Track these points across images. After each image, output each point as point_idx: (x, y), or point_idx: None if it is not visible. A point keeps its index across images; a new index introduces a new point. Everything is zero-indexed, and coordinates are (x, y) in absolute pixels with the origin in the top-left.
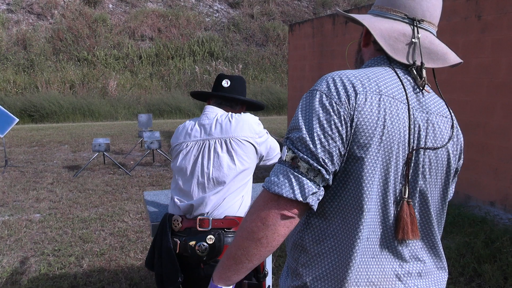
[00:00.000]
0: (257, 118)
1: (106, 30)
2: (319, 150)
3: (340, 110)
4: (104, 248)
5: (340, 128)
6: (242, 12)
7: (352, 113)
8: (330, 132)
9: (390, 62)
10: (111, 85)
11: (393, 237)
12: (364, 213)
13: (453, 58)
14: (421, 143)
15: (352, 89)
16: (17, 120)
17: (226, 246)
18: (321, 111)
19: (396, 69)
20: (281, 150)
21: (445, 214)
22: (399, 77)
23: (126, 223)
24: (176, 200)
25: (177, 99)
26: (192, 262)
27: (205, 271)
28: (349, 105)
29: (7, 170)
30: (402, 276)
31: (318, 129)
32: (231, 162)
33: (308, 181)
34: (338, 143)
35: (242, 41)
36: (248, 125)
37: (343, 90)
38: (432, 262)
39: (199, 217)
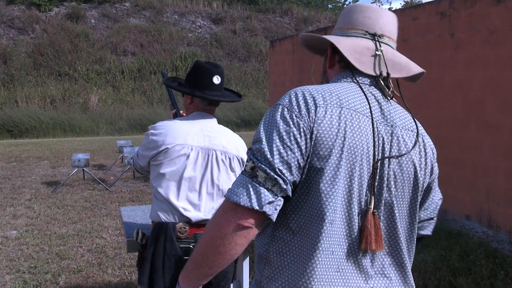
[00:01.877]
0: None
1: (88, 45)
2: (276, 160)
3: (300, 122)
4: (81, 265)
5: (299, 140)
6: (224, 28)
7: (311, 125)
8: (288, 143)
9: (354, 77)
10: (93, 100)
11: (358, 251)
12: (325, 225)
13: (416, 68)
14: (386, 155)
15: (312, 102)
16: None
17: None
18: (281, 124)
19: (360, 84)
20: None
21: (415, 232)
22: (363, 91)
23: (105, 239)
24: (180, 209)
25: (159, 114)
26: None
27: None
28: (309, 117)
29: None
30: None
31: (277, 140)
32: (235, 177)
33: (265, 190)
34: (296, 154)
35: (225, 57)
36: (244, 149)
37: (304, 104)
38: (398, 280)
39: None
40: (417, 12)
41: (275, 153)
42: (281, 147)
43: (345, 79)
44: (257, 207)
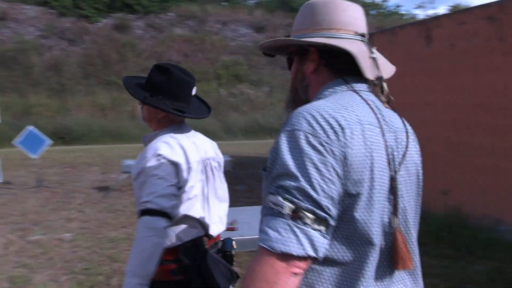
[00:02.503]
0: None
1: (134, 55)
2: (322, 197)
3: (333, 149)
4: None
5: (337, 169)
6: (266, 36)
7: (343, 150)
8: (328, 175)
9: (349, 84)
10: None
11: (392, 270)
12: (367, 251)
13: (392, 66)
14: (396, 165)
15: (336, 123)
16: (50, 142)
17: None
18: (312, 153)
19: (359, 91)
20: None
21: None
22: (364, 99)
23: None
24: (204, 223)
25: (202, 121)
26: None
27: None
28: (339, 141)
29: (40, 190)
30: None
31: (315, 173)
32: (224, 179)
33: (315, 232)
34: (337, 185)
35: (267, 65)
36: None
37: (328, 126)
38: (412, 285)
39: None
40: (464, 16)
41: (318, 189)
42: (322, 181)
43: (339, 88)
44: (313, 254)
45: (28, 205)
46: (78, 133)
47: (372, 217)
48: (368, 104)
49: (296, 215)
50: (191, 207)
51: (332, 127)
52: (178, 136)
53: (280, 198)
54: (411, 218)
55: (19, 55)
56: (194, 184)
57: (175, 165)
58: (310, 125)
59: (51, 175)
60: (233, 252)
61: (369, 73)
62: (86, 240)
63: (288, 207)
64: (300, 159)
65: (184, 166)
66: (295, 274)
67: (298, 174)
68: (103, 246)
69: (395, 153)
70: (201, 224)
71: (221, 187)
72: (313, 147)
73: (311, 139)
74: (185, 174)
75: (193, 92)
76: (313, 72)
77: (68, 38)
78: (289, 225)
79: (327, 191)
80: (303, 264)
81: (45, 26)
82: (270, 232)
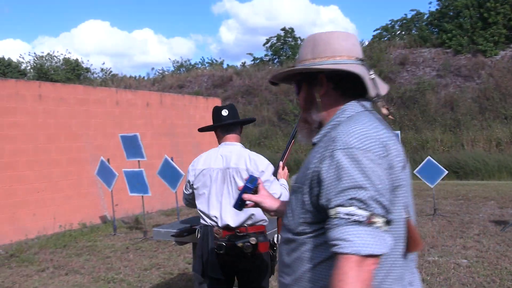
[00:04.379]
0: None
1: None
2: (388, 203)
3: (384, 162)
4: None
5: (388, 179)
6: None
7: (390, 162)
8: (387, 184)
9: (362, 104)
10: None
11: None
12: (401, 238)
13: (385, 84)
14: (406, 166)
15: (381, 142)
16: (446, 172)
17: (260, 243)
18: (374, 167)
19: (370, 111)
20: (333, 211)
21: None
22: (377, 118)
23: None
24: (213, 217)
25: None
26: (235, 258)
27: (250, 263)
28: (387, 156)
29: (436, 218)
30: (411, 283)
31: (379, 184)
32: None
33: (385, 233)
34: (389, 191)
35: None
36: (250, 162)
37: (377, 144)
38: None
39: (240, 227)
40: None
41: (385, 196)
42: (384, 190)
43: (357, 109)
44: (387, 251)
45: (424, 229)
46: (472, 167)
47: (401, 211)
48: (380, 120)
49: (370, 221)
50: (202, 204)
51: (380, 144)
52: (212, 150)
53: (354, 209)
54: (412, 210)
55: (416, 95)
56: (206, 186)
57: (191, 171)
58: (363, 143)
59: (446, 205)
60: (245, 251)
61: (372, 92)
62: (483, 268)
63: (364, 214)
64: (367, 173)
65: (196, 170)
66: (374, 269)
67: (367, 185)
68: (502, 277)
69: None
70: (209, 218)
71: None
72: (373, 161)
73: (370, 155)
74: (197, 177)
75: (224, 113)
76: (323, 95)
77: (464, 75)
78: (366, 231)
79: (388, 197)
80: (378, 260)
81: (441, 65)
82: (352, 238)
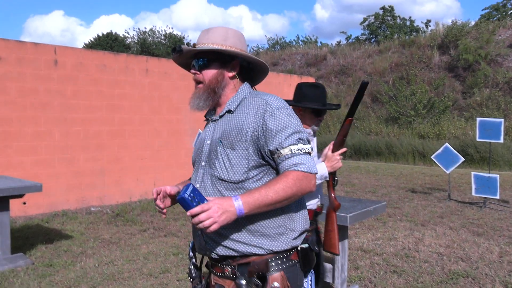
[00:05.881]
0: None
1: None
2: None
3: None
4: None
5: None
6: None
7: None
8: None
9: (251, 86)
10: None
11: None
12: None
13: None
14: None
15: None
16: (462, 159)
17: None
18: (296, 117)
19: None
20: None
21: None
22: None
23: None
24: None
25: None
26: None
27: None
28: None
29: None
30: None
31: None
32: None
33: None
34: None
35: None
36: None
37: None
38: None
39: None
40: None
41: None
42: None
43: (249, 87)
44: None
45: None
46: None
47: None
48: None
49: (309, 152)
50: None
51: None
52: None
53: (302, 145)
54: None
55: None
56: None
57: None
58: (285, 104)
59: None
60: None
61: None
62: None
63: (308, 148)
64: (297, 121)
65: None
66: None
67: (302, 129)
68: None
69: None
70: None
71: None
72: (294, 114)
73: (290, 110)
74: None
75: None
76: (232, 77)
77: None
78: (310, 158)
79: None
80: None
81: None
82: (306, 162)
